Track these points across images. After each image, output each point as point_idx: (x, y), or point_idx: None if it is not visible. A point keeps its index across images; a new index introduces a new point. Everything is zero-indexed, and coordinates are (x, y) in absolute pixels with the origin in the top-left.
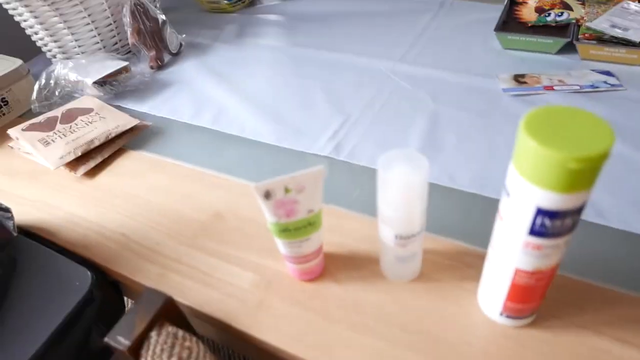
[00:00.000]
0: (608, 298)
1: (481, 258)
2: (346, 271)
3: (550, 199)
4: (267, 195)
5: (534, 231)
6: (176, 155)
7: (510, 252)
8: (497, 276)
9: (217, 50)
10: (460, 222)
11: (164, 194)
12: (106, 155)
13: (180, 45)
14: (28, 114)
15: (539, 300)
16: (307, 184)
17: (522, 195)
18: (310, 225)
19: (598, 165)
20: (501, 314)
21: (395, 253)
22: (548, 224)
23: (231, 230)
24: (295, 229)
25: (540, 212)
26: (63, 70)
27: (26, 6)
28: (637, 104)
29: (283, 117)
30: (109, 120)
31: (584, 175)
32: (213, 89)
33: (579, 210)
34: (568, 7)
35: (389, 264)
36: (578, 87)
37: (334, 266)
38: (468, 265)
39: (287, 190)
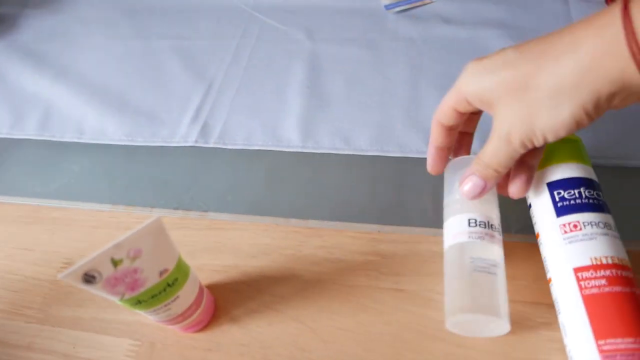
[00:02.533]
0: None
1: (393, 242)
2: (242, 302)
3: None
4: (89, 279)
5: None
6: None
7: None
8: None
9: (29, 20)
10: (367, 199)
11: None
12: None
13: None
14: None
15: None
16: (143, 245)
17: None
18: (170, 286)
19: None
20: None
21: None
22: None
23: None
24: (151, 297)
25: None
26: None
27: None
28: None
29: (129, 101)
30: None
31: None
32: (33, 80)
33: None
34: None
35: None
36: None
37: (227, 299)
38: (382, 254)
39: (115, 262)
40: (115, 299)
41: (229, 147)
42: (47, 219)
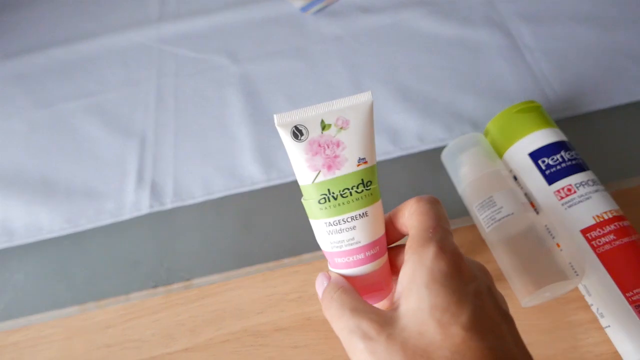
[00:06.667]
0: None
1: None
2: None
3: None
4: (297, 133)
5: None
6: None
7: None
8: None
9: None
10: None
11: None
12: None
13: None
14: None
15: None
16: (352, 117)
17: None
18: (363, 186)
19: None
20: None
21: None
22: None
23: None
24: (341, 194)
25: None
26: None
27: None
28: None
29: (56, 183)
30: None
31: None
32: None
33: None
34: None
35: None
36: None
37: None
38: None
39: (324, 126)
40: (309, 178)
41: (189, 202)
42: (6, 347)
